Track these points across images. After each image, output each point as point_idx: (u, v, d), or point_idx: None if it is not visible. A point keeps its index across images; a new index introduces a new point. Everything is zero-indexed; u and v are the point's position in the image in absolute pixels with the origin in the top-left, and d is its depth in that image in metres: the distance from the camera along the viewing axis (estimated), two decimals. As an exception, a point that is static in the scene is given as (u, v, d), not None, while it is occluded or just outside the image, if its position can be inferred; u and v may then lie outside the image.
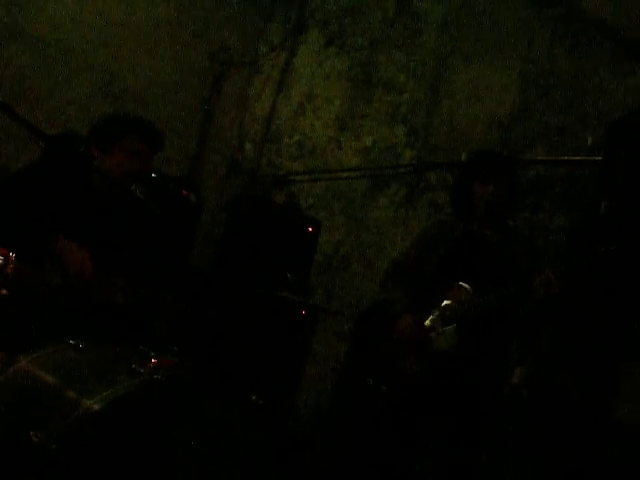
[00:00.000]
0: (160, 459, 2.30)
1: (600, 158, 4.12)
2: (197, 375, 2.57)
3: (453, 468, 3.48)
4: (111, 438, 2.23)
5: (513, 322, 3.53)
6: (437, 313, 3.50)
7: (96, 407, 2.24)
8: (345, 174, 6.15)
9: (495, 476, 3.76)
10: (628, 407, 3.71)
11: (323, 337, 5.67)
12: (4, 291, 2.89)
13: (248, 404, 3.14)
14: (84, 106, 5.87)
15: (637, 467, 3.52)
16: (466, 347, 3.45)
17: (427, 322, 3.52)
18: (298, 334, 5.24)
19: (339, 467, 4.56)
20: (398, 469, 3.61)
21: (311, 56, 6.79)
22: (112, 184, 3.50)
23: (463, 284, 3.48)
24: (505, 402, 3.58)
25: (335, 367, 5.43)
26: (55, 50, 5.95)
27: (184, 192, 5.35)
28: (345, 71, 6.40)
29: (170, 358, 2.54)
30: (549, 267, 3.23)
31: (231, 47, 6.93)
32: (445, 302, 3.49)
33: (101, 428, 2.23)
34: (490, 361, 3.50)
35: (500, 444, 3.74)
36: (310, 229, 5.59)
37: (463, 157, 5.09)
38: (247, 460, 2.48)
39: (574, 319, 3.96)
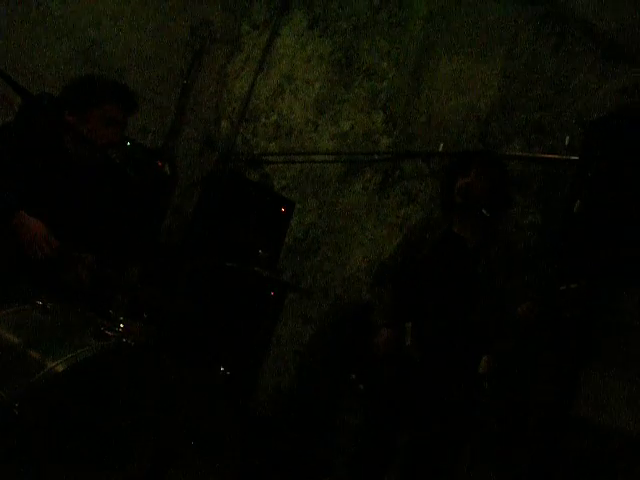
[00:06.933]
0: (122, 423, 2.27)
1: (576, 158, 4.14)
2: (165, 343, 2.55)
3: (421, 463, 3.58)
4: (74, 400, 2.20)
5: (485, 337, 3.57)
6: (410, 325, 3.62)
7: (60, 369, 2.21)
8: (320, 158, 6.11)
9: (457, 471, 3.80)
10: (590, 404, 3.75)
11: (289, 319, 5.64)
12: None
13: (215, 375, 3.12)
14: (62, 71, 5.78)
15: (596, 462, 3.59)
16: (436, 360, 3.55)
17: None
18: (265, 315, 5.22)
19: (300, 449, 4.57)
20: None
21: (294, 37, 6.74)
22: (86, 150, 3.43)
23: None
24: (469, 394, 3.60)
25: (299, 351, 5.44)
26: (36, 12, 5.86)
27: (159, 163, 5.29)
28: (327, 54, 6.36)
29: (139, 324, 2.51)
30: (530, 299, 3.33)
31: (214, 23, 6.88)
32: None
33: (64, 390, 2.20)
34: (461, 372, 3.52)
35: (462, 439, 3.78)
36: (283, 209, 5.55)
37: (440, 148, 5.10)
38: (209, 430, 2.47)
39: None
